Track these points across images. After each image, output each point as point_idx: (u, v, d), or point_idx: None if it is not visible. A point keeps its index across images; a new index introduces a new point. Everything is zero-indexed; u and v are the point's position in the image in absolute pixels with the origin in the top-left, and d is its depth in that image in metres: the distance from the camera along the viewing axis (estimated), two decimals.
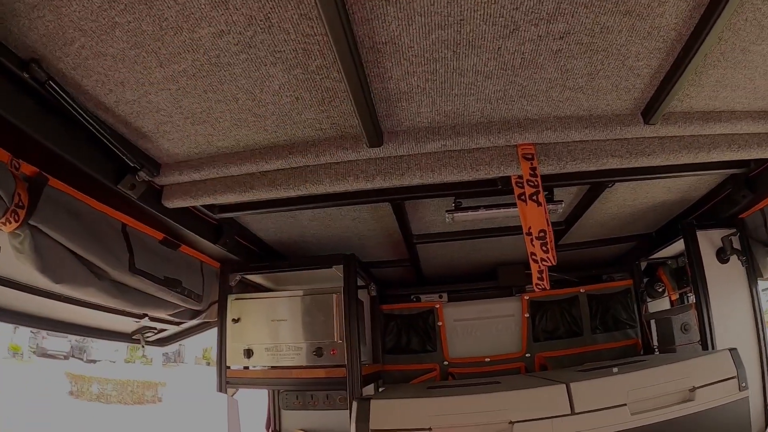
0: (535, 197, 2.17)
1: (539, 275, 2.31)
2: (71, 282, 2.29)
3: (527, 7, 1.49)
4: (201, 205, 2.65)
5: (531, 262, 2.28)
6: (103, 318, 4.07)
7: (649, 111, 2.04)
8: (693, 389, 2.42)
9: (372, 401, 2.59)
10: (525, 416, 2.42)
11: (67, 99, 1.75)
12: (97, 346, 35.10)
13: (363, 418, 2.59)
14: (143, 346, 4.79)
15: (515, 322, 4.11)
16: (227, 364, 3.33)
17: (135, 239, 2.63)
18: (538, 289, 2.38)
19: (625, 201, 3.04)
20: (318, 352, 3.14)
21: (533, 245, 2.22)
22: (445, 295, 4.32)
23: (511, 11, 1.50)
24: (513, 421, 2.41)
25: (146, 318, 4.01)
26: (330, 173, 2.26)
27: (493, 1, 1.45)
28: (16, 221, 1.94)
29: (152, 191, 2.43)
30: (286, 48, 1.63)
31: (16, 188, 1.91)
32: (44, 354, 31.87)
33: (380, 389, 3.94)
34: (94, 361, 33.48)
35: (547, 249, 2.21)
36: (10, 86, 1.68)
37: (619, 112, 2.07)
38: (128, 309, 2.84)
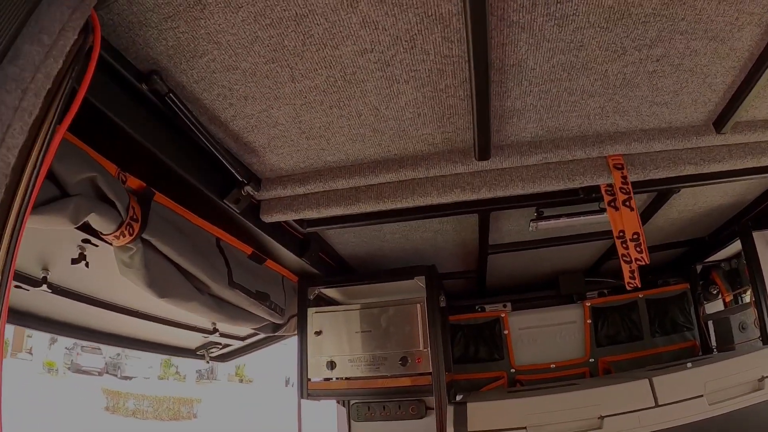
0: (627, 203, 2.26)
1: (631, 275, 2.39)
2: (176, 296, 2.29)
3: (635, 35, 1.61)
4: (293, 220, 2.65)
5: (622, 263, 2.35)
6: (168, 333, 4.09)
7: (720, 121, 2.14)
8: (762, 378, 2.58)
9: (468, 404, 2.66)
10: (613, 411, 2.57)
11: (185, 112, 1.73)
12: (132, 363, 35.44)
13: (461, 421, 2.67)
14: (207, 361, 4.78)
15: (578, 329, 4.11)
16: (309, 377, 3.32)
17: (229, 253, 2.62)
18: (630, 287, 2.44)
19: (686, 206, 3.09)
20: (403, 360, 3.13)
21: (625, 247, 2.30)
22: (509, 305, 4.35)
23: (622, 38, 1.62)
24: (603, 415, 2.55)
25: (216, 333, 4.01)
26: (437, 185, 2.29)
27: (610, 30, 1.57)
28: (130, 234, 1.91)
29: (250, 205, 2.42)
30: (422, 67, 1.67)
31: (130, 201, 1.88)
32: (79, 370, 32.16)
33: (457, 397, 3.89)
34: (128, 378, 33.72)
35: (641, 249, 2.28)
36: (127, 97, 1.65)
37: (694, 123, 2.18)
38: (223, 323, 2.82)
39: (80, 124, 1.60)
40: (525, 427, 2.55)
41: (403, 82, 1.73)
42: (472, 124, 1.92)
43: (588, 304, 4.11)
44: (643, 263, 2.31)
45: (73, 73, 1.06)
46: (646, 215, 3.01)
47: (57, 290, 2.77)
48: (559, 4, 1.44)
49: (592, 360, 4.01)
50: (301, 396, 3.29)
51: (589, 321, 4.08)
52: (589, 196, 2.43)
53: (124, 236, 1.89)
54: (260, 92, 1.74)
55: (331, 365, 3.26)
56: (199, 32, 1.47)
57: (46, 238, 2.32)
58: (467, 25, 1.41)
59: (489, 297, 4.47)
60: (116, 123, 1.63)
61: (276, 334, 3.54)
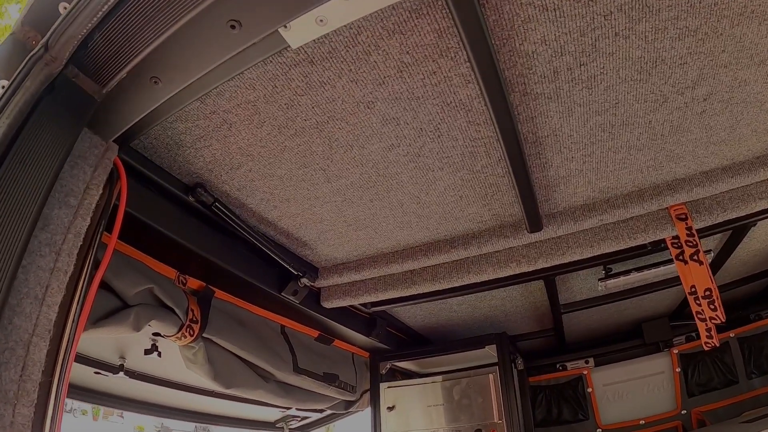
0: (695, 257, 2.12)
1: (708, 333, 2.23)
2: (241, 386, 2.33)
3: (674, 80, 1.51)
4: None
5: (697, 321, 2.21)
6: (249, 408, 4.15)
7: None
8: None
9: None
10: None
11: (233, 219, 1.79)
12: (222, 429, 36.23)
13: None
14: None
15: (667, 379, 3.80)
16: None
17: (294, 339, 2.65)
18: (708, 348, 2.28)
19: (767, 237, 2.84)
20: None
21: (698, 304, 2.16)
22: (591, 360, 4.09)
23: (660, 86, 1.52)
24: None
25: (293, 408, 4.04)
26: (492, 261, 2.22)
27: (644, 80, 1.48)
28: (191, 335, 1.99)
29: (311, 293, 2.45)
30: (454, 153, 1.64)
31: (189, 305, 1.95)
32: None
33: None
34: None
35: (715, 307, 2.13)
36: (175, 209, 1.74)
37: (759, 154, 2.00)
38: (292, 407, 2.82)
39: (138, 237, 1.71)
40: None
41: (437, 169, 1.71)
42: (517, 199, 1.86)
43: (675, 351, 3.79)
44: (719, 321, 2.15)
45: (103, 224, 1.12)
46: (724, 253, 2.80)
47: (134, 375, 2.88)
48: (583, 67, 1.38)
49: (684, 412, 3.68)
50: None
51: (678, 369, 3.76)
52: (657, 247, 2.28)
53: (186, 337, 1.97)
54: (300, 194, 1.78)
55: None
56: (231, 147, 1.54)
57: None
58: (488, 106, 1.37)
59: (570, 353, 4.23)
60: (170, 235, 1.72)
61: (349, 411, 3.52)
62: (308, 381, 2.70)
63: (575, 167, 1.84)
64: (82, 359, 2.70)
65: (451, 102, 1.42)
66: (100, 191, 1.07)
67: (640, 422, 3.75)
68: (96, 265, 1.08)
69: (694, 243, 2.09)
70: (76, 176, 1.02)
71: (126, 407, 3.52)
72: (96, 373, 2.79)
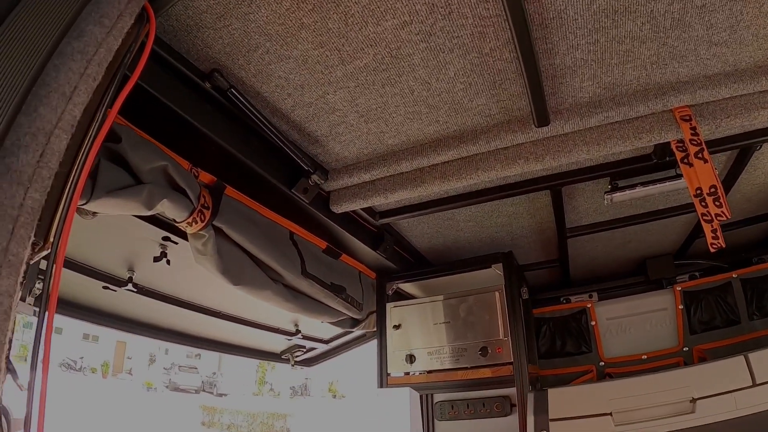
0: (700, 155, 2.17)
1: (713, 235, 2.30)
2: (249, 284, 2.45)
3: None
4: (363, 210, 2.78)
5: (703, 224, 2.27)
6: (254, 337, 4.32)
7: None
8: None
9: (549, 390, 2.62)
10: (706, 392, 2.43)
11: (248, 106, 1.91)
12: (227, 381, 37.56)
13: (542, 408, 2.62)
14: (293, 365, 4.97)
15: (669, 316, 3.93)
16: (388, 372, 3.41)
17: (303, 246, 2.78)
18: (714, 249, 2.34)
19: None
20: (483, 351, 3.13)
21: (704, 205, 2.22)
22: (595, 294, 4.21)
23: None
24: (695, 398, 2.43)
25: (299, 335, 4.19)
26: (500, 158, 2.29)
27: None
28: (202, 221, 2.10)
29: (320, 197, 2.57)
30: (463, 33, 1.71)
31: (201, 191, 2.07)
32: (176, 388, 34.40)
33: None
34: (223, 395, 35.52)
35: (720, 203, 2.19)
36: (192, 96, 1.86)
37: (762, 63, 2.03)
38: (297, 312, 2.95)
39: (154, 124, 1.85)
40: (610, 413, 2.48)
41: (448, 51, 1.78)
42: (525, 87, 1.92)
43: (679, 288, 3.93)
44: (724, 218, 2.22)
45: (133, 52, 1.23)
46: (728, 181, 2.85)
47: (142, 290, 3.03)
48: None
49: (686, 349, 3.82)
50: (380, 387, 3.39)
51: (680, 307, 3.89)
52: (662, 159, 2.37)
53: (196, 223, 2.08)
54: (314, 79, 1.88)
55: (411, 359, 3.32)
56: (250, 26, 1.64)
57: (131, 240, 2.60)
58: None
59: (574, 287, 4.37)
60: (186, 120, 1.84)
61: (355, 330, 3.67)
62: (316, 288, 2.83)
63: (580, 56, 1.90)
64: (90, 272, 2.83)
65: None
66: (132, 21, 1.16)
67: (642, 357, 3.89)
68: (117, 91, 1.18)
69: (698, 141, 2.15)
70: (111, 3, 1.10)
71: (133, 329, 3.66)
72: (104, 287, 2.93)
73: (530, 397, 2.61)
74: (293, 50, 1.74)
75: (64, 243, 1.08)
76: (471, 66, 1.87)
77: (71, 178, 1.08)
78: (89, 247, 2.69)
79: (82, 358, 34.66)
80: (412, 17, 1.62)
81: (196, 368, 37.83)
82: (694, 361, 3.78)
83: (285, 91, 1.94)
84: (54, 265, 1.06)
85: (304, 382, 42.93)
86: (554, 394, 2.59)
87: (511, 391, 3.26)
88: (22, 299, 2.39)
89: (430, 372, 3.32)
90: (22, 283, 0.92)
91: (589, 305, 4.12)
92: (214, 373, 39.02)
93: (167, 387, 35.56)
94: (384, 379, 3.41)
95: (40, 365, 1.01)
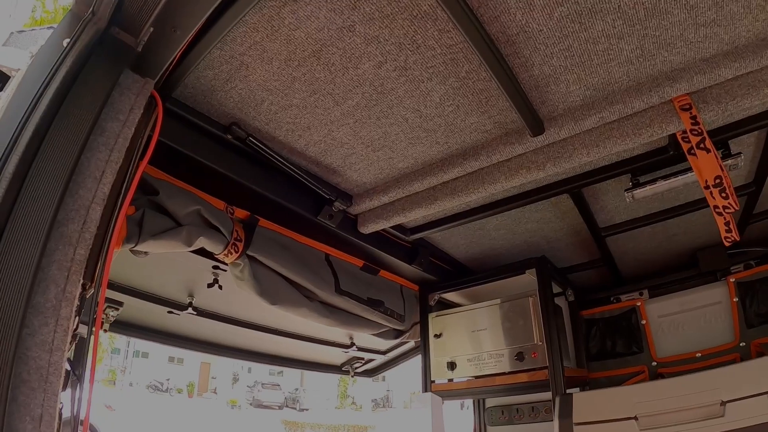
0: (702, 145, 2.10)
1: (726, 227, 2.22)
2: (286, 303, 2.74)
3: None
4: (393, 228, 2.99)
5: (715, 216, 2.20)
6: (314, 351, 4.62)
7: None
8: None
9: (574, 395, 2.61)
10: (737, 395, 2.31)
11: (266, 149, 2.22)
12: (309, 396, 38.45)
13: (566, 412, 2.61)
14: (352, 376, 5.23)
15: (724, 310, 3.69)
16: (432, 379, 3.57)
17: (338, 266, 3.06)
18: (728, 242, 2.26)
19: None
20: (519, 356, 3.21)
21: (713, 197, 2.15)
22: (645, 292, 4.11)
23: None
24: (725, 401, 2.32)
25: (354, 347, 4.46)
26: (503, 170, 2.41)
27: None
28: (236, 252, 2.45)
29: (348, 220, 2.84)
30: (436, 62, 1.88)
31: (234, 227, 2.41)
32: (260, 405, 35.59)
33: None
34: (305, 410, 36.39)
35: (727, 195, 2.11)
36: (218, 147, 2.19)
37: (763, 36, 1.89)
38: (336, 327, 3.19)
39: (189, 174, 2.23)
40: (635, 417, 2.44)
41: (427, 80, 1.96)
42: (510, 102, 2.01)
43: (732, 279, 3.67)
44: (732, 210, 2.14)
45: (145, 133, 1.60)
46: (765, 160, 2.68)
47: (201, 312, 3.43)
48: None
49: (743, 344, 3.56)
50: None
51: (735, 299, 3.64)
52: (678, 151, 2.27)
53: (232, 254, 2.43)
54: (317, 120, 2.15)
55: (452, 366, 3.46)
56: (252, 85, 1.95)
57: (188, 270, 3.00)
58: (447, 13, 1.59)
59: (627, 285, 4.25)
60: (215, 168, 2.17)
61: (399, 339, 3.88)
62: (351, 303, 3.09)
63: (558, 63, 1.94)
64: (155, 299, 3.27)
65: (417, 14, 1.67)
66: (142, 111, 1.52)
67: (697, 355, 3.69)
68: (140, 159, 1.53)
69: (699, 131, 2.08)
70: (123, 101, 1.47)
71: (198, 348, 4.15)
72: (169, 312, 3.34)
73: (556, 402, 2.63)
74: (293, 99, 2.01)
75: (105, 281, 1.44)
76: (453, 90, 2.03)
77: (107, 235, 1.45)
78: (154, 280, 3.13)
79: (168, 379, 36.52)
80: (385, 57, 1.83)
81: (278, 385, 39.05)
82: (752, 356, 3.55)
83: (296, 133, 2.22)
84: (98, 297, 1.42)
85: (385, 394, 43.32)
86: (579, 398, 2.60)
87: None
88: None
89: (470, 378, 3.45)
90: (77, 311, 1.32)
91: (638, 303, 4.01)
92: (297, 389, 40.16)
93: (251, 404, 36.84)
94: (428, 386, 3.55)
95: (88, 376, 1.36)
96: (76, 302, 1.30)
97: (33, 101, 1.31)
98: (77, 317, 1.38)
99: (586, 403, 2.61)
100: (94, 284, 1.43)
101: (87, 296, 1.43)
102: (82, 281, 1.32)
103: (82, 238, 1.30)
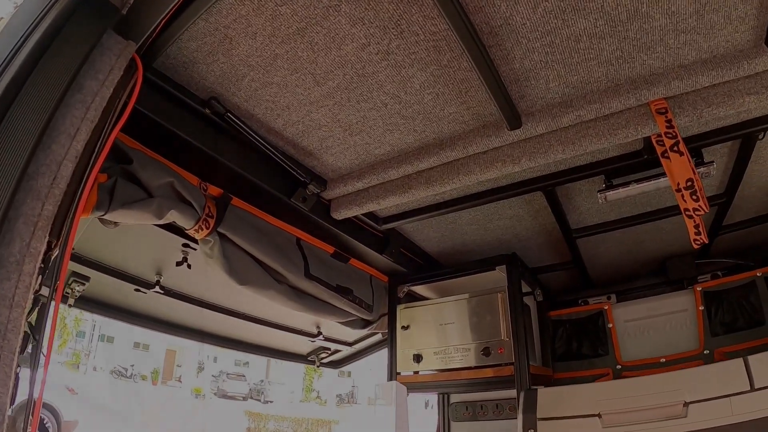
0: (675, 148, 2.15)
1: (696, 230, 2.28)
2: (254, 284, 2.74)
3: None
4: (366, 216, 3.01)
5: (686, 219, 2.25)
6: (280, 339, 4.62)
7: None
8: None
9: (539, 389, 2.65)
10: (700, 396, 2.36)
11: (244, 127, 2.21)
12: (274, 389, 38.44)
13: (530, 407, 2.64)
14: (317, 367, 5.24)
15: (689, 317, 3.82)
16: (397, 371, 3.59)
17: (309, 251, 3.06)
18: (697, 245, 2.32)
19: None
20: (486, 351, 3.24)
21: (684, 200, 2.20)
22: (613, 296, 4.21)
23: None
24: (688, 401, 2.36)
25: (320, 337, 4.47)
26: (479, 162, 2.44)
27: None
28: (207, 228, 2.43)
29: (321, 205, 2.84)
30: (419, 48, 1.90)
31: (206, 202, 2.40)
32: (224, 395, 35.36)
33: None
34: (270, 402, 36.31)
35: (698, 197, 2.17)
36: (197, 121, 2.18)
37: (741, 47, 1.94)
38: (303, 312, 3.19)
39: (164, 146, 2.20)
40: (599, 414, 2.47)
41: (408, 66, 1.98)
42: (489, 94, 2.04)
43: (699, 288, 3.81)
44: (702, 212, 2.20)
45: (123, 96, 1.58)
46: (736, 174, 2.78)
47: (168, 292, 3.39)
48: None
49: (706, 351, 3.68)
50: None
51: (701, 307, 3.77)
52: (652, 155, 2.30)
53: (202, 230, 2.41)
54: (297, 100, 2.15)
55: (418, 358, 3.49)
56: (234, 60, 1.94)
57: (157, 247, 2.98)
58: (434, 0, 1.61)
59: (595, 289, 4.35)
60: (191, 142, 2.16)
61: (368, 330, 3.90)
62: (320, 289, 3.09)
63: (539, 59, 1.99)
64: (122, 275, 3.22)
65: None
66: (121, 73, 1.51)
67: (661, 360, 3.80)
68: (115, 123, 1.52)
69: (673, 134, 2.12)
70: (104, 60, 1.46)
71: (164, 329, 4.08)
72: (136, 290, 3.31)
73: (521, 396, 2.66)
74: (274, 77, 2.02)
75: (71, 241, 1.44)
76: (434, 78, 2.05)
77: (77, 195, 1.44)
78: (121, 256, 3.09)
79: (132, 365, 36.04)
80: (368, 39, 1.85)
81: (243, 376, 38.85)
82: None
83: (275, 112, 2.22)
84: (63, 258, 1.42)
85: (351, 390, 43.45)
86: (544, 394, 2.63)
87: None
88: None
89: (436, 371, 3.47)
90: (40, 270, 1.31)
91: (606, 307, 4.11)
92: (262, 381, 40.00)
93: (215, 394, 36.61)
94: (393, 377, 3.57)
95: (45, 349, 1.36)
96: (40, 260, 1.29)
97: (12, 51, 1.30)
98: (40, 277, 1.37)
99: (550, 398, 2.64)
100: (59, 244, 1.41)
101: (52, 257, 1.42)
102: (48, 238, 1.31)
103: (52, 194, 1.30)
